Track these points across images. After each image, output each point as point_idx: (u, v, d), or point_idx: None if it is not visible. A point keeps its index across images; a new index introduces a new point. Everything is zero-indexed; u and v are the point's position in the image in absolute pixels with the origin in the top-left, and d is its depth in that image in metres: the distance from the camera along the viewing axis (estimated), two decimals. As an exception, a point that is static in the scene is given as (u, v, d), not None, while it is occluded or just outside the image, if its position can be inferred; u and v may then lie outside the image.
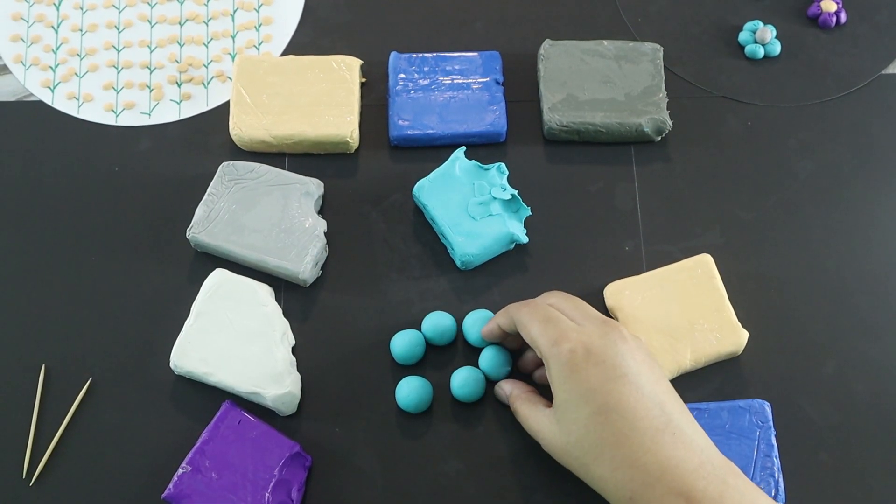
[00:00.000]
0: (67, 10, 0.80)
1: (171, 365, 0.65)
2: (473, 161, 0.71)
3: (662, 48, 0.76)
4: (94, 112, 0.76)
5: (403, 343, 0.66)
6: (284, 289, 0.69)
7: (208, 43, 0.79)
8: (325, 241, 0.69)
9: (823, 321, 0.69)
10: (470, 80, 0.75)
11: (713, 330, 0.66)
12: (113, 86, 0.77)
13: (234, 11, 0.80)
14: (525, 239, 0.70)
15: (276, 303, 0.68)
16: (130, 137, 0.75)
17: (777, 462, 0.62)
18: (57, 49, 0.79)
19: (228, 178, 0.71)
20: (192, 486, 0.60)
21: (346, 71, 0.75)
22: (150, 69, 0.78)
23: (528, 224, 0.71)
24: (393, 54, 0.76)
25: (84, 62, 0.78)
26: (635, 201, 0.73)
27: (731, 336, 0.66)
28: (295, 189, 0.70)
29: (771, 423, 0.63)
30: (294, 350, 0.67)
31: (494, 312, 0.68)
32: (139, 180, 0.73)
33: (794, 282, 0.70)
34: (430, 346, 0.68)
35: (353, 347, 0.68)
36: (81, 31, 0.79)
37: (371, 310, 0.69)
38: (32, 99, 0.76)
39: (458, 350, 0.68)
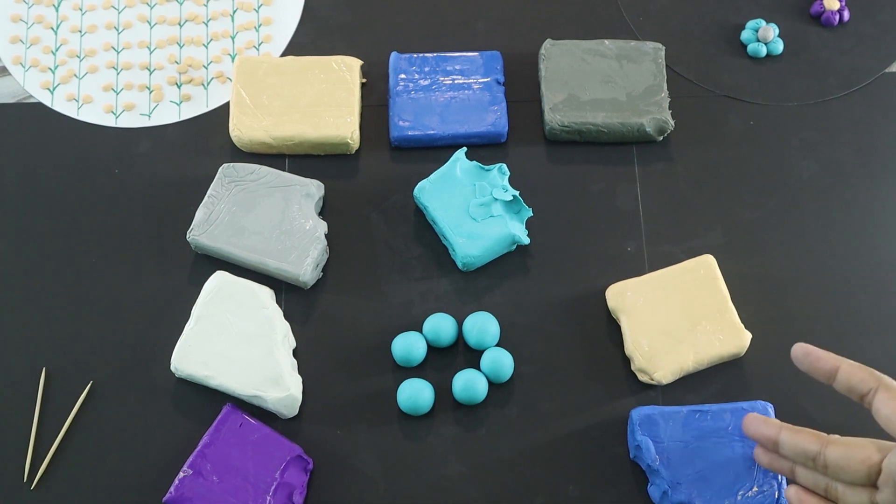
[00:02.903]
0: (67, 11, 0.80)
1: (172, 368, 0.65)
2: (474, 162, 0.71)
3: (664, 47, 0.76)
4: (94, 114, 0.76)
5: (404, 345, 0.66)
6: (285, 291, 0.69)
7: (208, 44, 0.79)
8: (325, 242, 0.69)
9: (826, 322, 0.69)
10: (471, 81, 0.75)
11: (716, 331, 0.66)
12: (112, 87, 0.77)
13: (234, 12, 0.80)
14: (526, 240, 0.69)
15: (276, 305, 0.68)
16: (130, 139, 0.75)
17: (780, 464, 0.62)
18: (56, 50, 0.78)
19: (228, 179, 0.70)
20: (193, 490, 0.60)
21: (346, 71, 0.74)
22: (149, 70, 0.78)
23: (529, 225, 0.71)
24: (393, 54, 0.76)
25: (83, 63, 0.78)
26: (637, 202, 0.73)
27: (733, 337, 0.66)
28: (295, 191, 0.70)
29: (774, 425, 0.63)
30: (295, 353, 0.67)
31: (495, 314, 0.67)
32: (139, 182, 0.73)
33: (797, 282, 0.70)
34: (432, 348, 0.67)
35: (354, 350, 0.68)
36: (81, 32, 0.79)
37: (372, 312, 0.69)
38: (32, 101, 0.76)
39: (460, 352, 0.68)
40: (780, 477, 0.61)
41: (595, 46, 0.75)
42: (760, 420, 0.59)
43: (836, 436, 0.56)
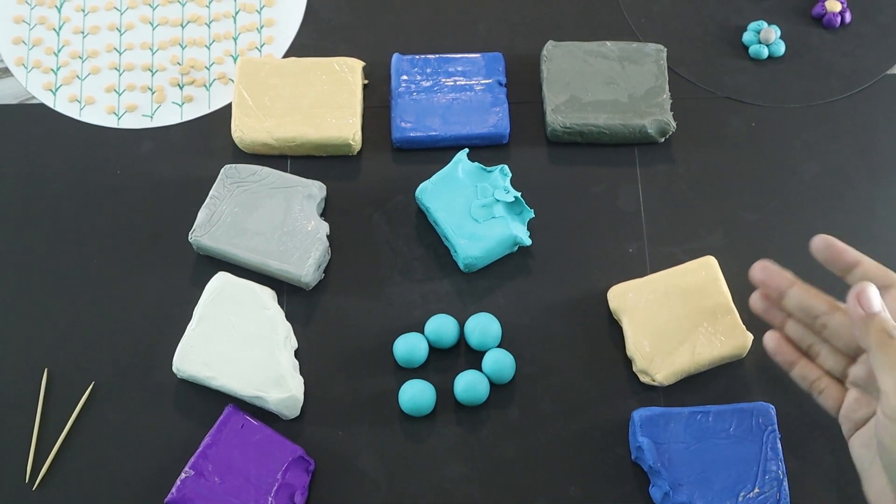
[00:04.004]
0: (69, 12, 0.80)
1: (174, 369, 0.65)
2: (476, 163, 0.71)
3: (666, 49, 0.76)
4: (96, 115, 0.76)
5: (406, 346, 0.66)
6: (287, 292, 0.69)
7: (210, 45, 0.79)
8: (327, 243, 0.69)
9: (828, 323, 0.69)
10: (472, 82, 0.75)
11: (717, 332, 0.66)
12: (115, 88, 0.77)
13: (236, 13, 0.80)
14: (528, 241, 0.69)
15: (278, 306, 0.68)
16: (132, 140, 0.75)
17: (782, 465, 0.62)
18: (59, 52, 0.78)
19: (231, 180, 0.70)
20: (194, 491, 0.60)
21: (348, 73, 0.74)
22: (151, 71, 0.78)
23: (531, 226, 0.71)
24: (395, 56, 0.76)
25: (86, 64, 0.78)
26: (639, 203, 0.73)
27: (735, 339, 0.66)
28: (297, 192, 0.70)
29: (776, 427, 0.63)
30: (297, 353, 0.67)
31: (497, 315, 0.68)
32: (141, 183, 0.73)
33: (799, 284, 0.70)
34: (433, 349, 0.67)
35: (356, 350, 0.68)
36: (83, 33, 0.79)
37: (374, 313, 0.69)
38: (34, 102, 0.76)
39: (461, 353, 0.68)
40: (781, 478, 0.61)
41: (597, 48, 0.76)
42: (775, 270, 0.59)
43: (845, 305, 0.55)
